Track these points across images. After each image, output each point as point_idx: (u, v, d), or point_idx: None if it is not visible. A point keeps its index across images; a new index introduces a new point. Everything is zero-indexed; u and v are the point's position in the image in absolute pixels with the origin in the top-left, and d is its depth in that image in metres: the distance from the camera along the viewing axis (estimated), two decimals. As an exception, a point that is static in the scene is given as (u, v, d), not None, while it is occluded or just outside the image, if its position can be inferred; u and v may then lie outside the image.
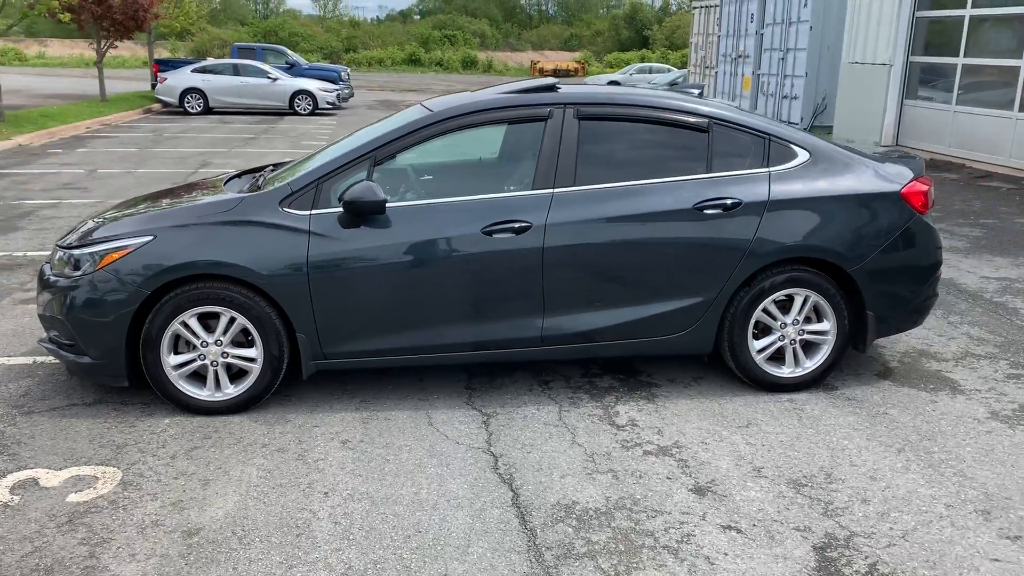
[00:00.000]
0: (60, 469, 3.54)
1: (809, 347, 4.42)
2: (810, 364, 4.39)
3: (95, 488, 3.40)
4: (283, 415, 4.10)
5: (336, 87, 23.91)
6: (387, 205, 4.01)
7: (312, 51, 59.35)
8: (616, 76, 36.22)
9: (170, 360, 4.01)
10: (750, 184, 4.24)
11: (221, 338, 4.02)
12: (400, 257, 4.01)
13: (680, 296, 4.21)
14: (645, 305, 4.21)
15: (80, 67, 48.72)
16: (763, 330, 4.36)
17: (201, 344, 4.02)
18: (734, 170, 4.28)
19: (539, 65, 58.12)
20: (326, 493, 3.38)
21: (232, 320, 4.00)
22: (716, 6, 20.74)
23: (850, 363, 4.81)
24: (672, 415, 4.13)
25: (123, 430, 3.91)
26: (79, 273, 4.00)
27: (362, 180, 4.01)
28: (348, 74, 26.89)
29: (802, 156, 4.35)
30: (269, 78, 22.78)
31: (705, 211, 4.16)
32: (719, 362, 4.61)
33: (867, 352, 4.78)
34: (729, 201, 4.19)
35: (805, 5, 16.83)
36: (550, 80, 4.52)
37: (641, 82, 31.12)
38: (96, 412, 4.09)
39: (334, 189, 4.06)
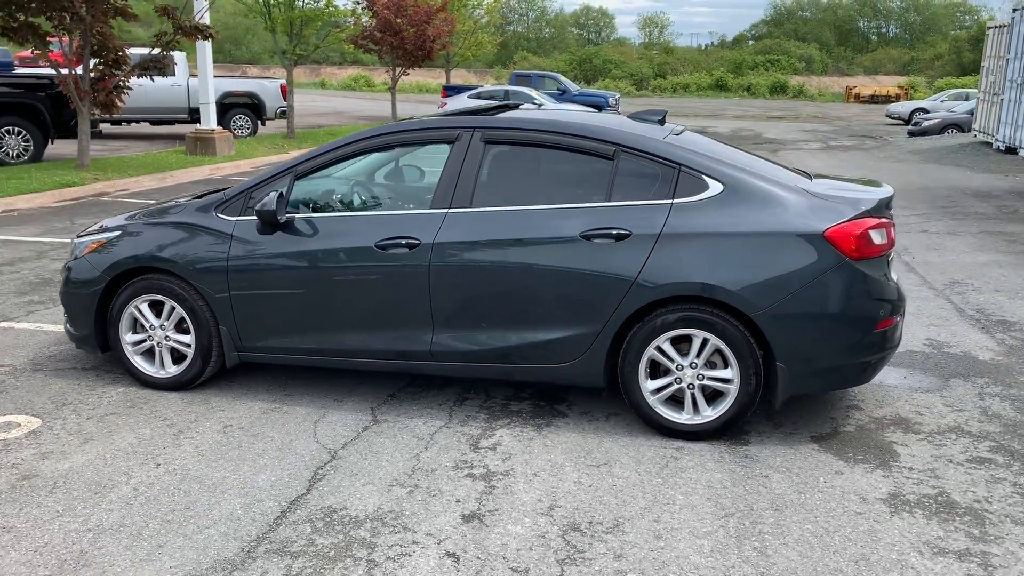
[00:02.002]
0: (4, 415, 4.33)
1: (715, 395, 4.07)
2: (711, 413, 4.05)
3: (12, 432, 4.12)
4: (208, 398, 4.60)
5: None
6: (301, 216, 4.39)
7: (622, 78, 60.85)
8: (925, 103, 33.36)
9: (127, 338, 4.70)
10: (646, 215, 4.02)
11: (165, 323, 4.63)
12: (305, 264, 4.35)
13: (565, 325, 4.11)
14: (531, 331, 4.16)
15: (418, 92, 54.35)
16: (664, 371, 4.11)
17: (150, 327, 4.66)
18: (637, 199, 4.09)
19: (855, 90, 54.70)
20: (158, 464, 3.82)
21: (173, 308, 4.59)
22: (1008, 26, 18.39)
23: (801, 418, 4.32)
24: (542, 446, 4.04)
25: (80, 392, 4.64)
26: (72, 259, 4.83)
27: (275, 193, 4.42)
28: (617, 100, 27.45)
29: (714, 188, 4.03)
30: (534, 104, 23.97)
31: (593, 240, 4.02)
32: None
33: (820, 405, 4.27)
34: (615, 231, 4.01)
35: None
36: (509, 102, 4.61)
37: (946, 108, 28.30)
38: (76, 376, 4.88)
39: (259, 199, 4.51)
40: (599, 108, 26.00)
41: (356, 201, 4.68)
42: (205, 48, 15.67)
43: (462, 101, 24.36)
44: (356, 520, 3.36)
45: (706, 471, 3.79)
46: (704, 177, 4.05)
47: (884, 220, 4.02)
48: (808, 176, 4.57)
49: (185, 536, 3.23)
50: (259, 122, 20.32)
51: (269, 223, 4.34)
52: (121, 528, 3.27)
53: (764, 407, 4.39)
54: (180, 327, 4.62)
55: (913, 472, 3.79)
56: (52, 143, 14.40)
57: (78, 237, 4.94)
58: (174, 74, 19.08)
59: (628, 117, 4.77)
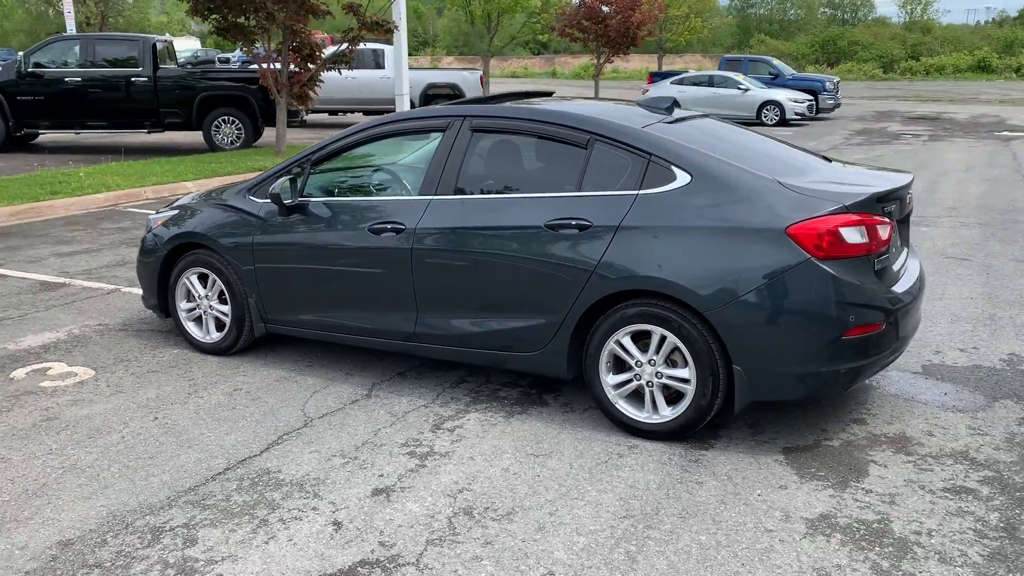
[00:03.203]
0: (71, 365, 5.03)
1: (678, 395, 3.91)
2: (668, 413, 3.89)
3: (65, 380, 4.79)
4: (240, 363, 5.05)
5: (808, 98, 23.24)
6: (311, 200, 4.71)
7: (869, 60, 56.87)
8: None
9: (181, 305, 5.27)
10: (609, 205, 3.93)
11: (208, 294, 5.15)
12: (311, 245, 4.67)
13: (531, 314, 4.12)
14: (501, 318, 4.21)
15: (624, 79, 53.91)
16: (627, 366, 4.00)
17: (199, 297, 5.19)
18: (608, 189, 4.00)
19: None
20: (156, 418, 4.28)
21: (215, 281, 5.10)
22: None
23: (787, 427, 4.04)
24: (500, 432, 4.09)
25: (140, 351, 5.27)
26: (146, 232, 5.48)
27: (287, 177, 4.75)
28: (835, 84, 25.74)
29: (681, 180, 3.86)
30: (740, 88, 23.16)
31: (559, 230, 4.00)
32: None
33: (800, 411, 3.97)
34: (575, 221, 3.96)
35: None
36: (547, 90, 4.70)
37: None
38: (148, 337, 5.53)
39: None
40: (814, 93, 24.56)
41: (363, 186, 4.92)
42: (400, 41, 16.62)
43: (664, 88, 23.98)
44: (279, 482, 3.62)
45: (641, 471, 3.67)
46: (673, 168, 3.89)
47: (867, 217, 3.65)
48: (827, 160, 4.30)
49: (131, 481, 3.64)
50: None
51: (281, 205, 4.69)
52: (87, 469, 3.75)
53: (754, 413, 4.15)
54: (221, 298, 5.10)
55: (869, 495, 3.44)
56: (262, 132, 15.93)
57: (156, 213, 5.58)
58: (384, 67, 20.43)
59: (638, 104, 4.64)
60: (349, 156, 4.83)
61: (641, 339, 3.92)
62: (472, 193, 4.30)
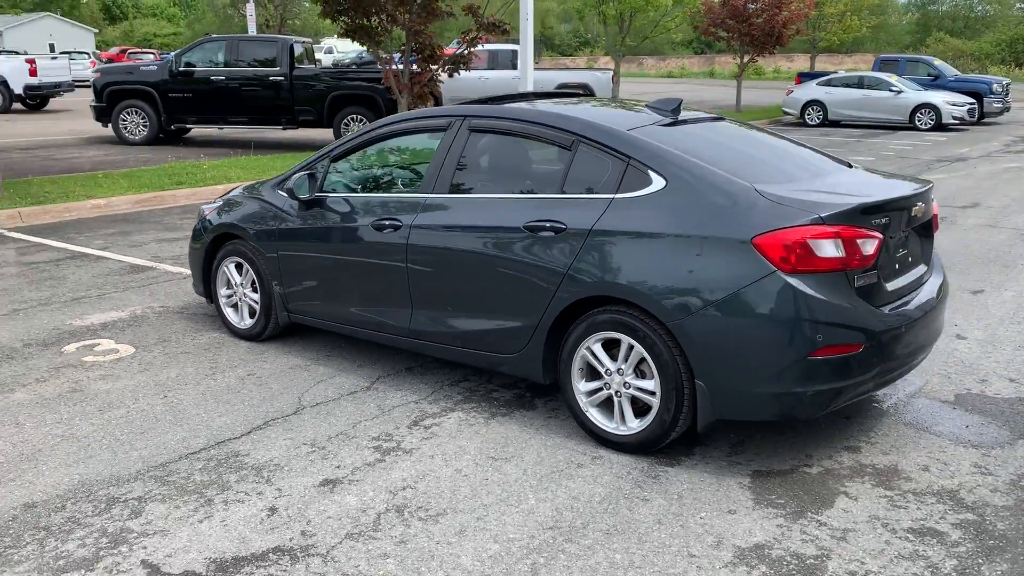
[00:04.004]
0: (118, 342, 5.42)
1: (646, 408, 3.77)
2: (636, 425, 3.76)
3: (106, 356, 5.17)
4: (265, 350, 5.27)
5: (969, 102, 21.60)
6: (327, 195, 4.86)
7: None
8: None
9: (221, 291, 5.57)
10: (585, 209, 3.84)
11: (243, 281, 5.41)
12: (325, 238, 4.82)
13: (509, 316, 4.09)
14: (485, 319, 4.19)
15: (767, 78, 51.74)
16: (599, 374, 3.90)
17: (236, 284, 5.47)
18: (588, 192, 3.91)
19: None
20: (164, 396, 4.55)
21: (248, 270, 5.35)
22: None
23: (770, 450, 3.82)
24: (473, 433, 4.08)
25: (183, 333, 5.60)
26: (197, 221, 5.82)
27: (305, 173, 4.91)
28: (1005, 86, 23.74)
29: (656, 184, 3.72)
30: (892, 90, 21.87)
31: (537, 232, 3.95)
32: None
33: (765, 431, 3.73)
34: (549, 224, 3.89)
35: None
36: (577, 90, 4.69)
37: None
38: (195, 320, 5.87)
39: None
40: (979, 96, 22.79)
41: (373, 183, 5.00)
42: (526, 41, 16.75)
43: (809, 89, 22.96)
44: (241, 466, 3.76)
45: (592, 483, 3.56)
46: (649, 171, 3.75)
47: (845, 230, 3.38)
48: (848, 166, 4.06)
49: (114, 453, 3.89)
50: (590, 111, 21.10)
51: (298, 200, 4.87)
52: (82, 439, 4.03)
53: (740, 432, 3.95)
54: (253, 286, 5.35)
55: (820, 528, 3.20)
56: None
57: (208, 203, 5.91)
58: (515, 67, 20.61)
59: (645, 106, 4.49)
60: (366, 153, 4.94)
61: (612, 347, 3.80)
62: (465, 192, 4.31)
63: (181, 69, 15.77)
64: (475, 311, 4.21)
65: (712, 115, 4.54)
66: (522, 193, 4.12)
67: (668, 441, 3.70)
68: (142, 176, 11.65)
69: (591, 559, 3.02)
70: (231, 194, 5.79)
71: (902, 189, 3.84)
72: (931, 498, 3.41)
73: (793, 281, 3.34)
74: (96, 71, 16.79)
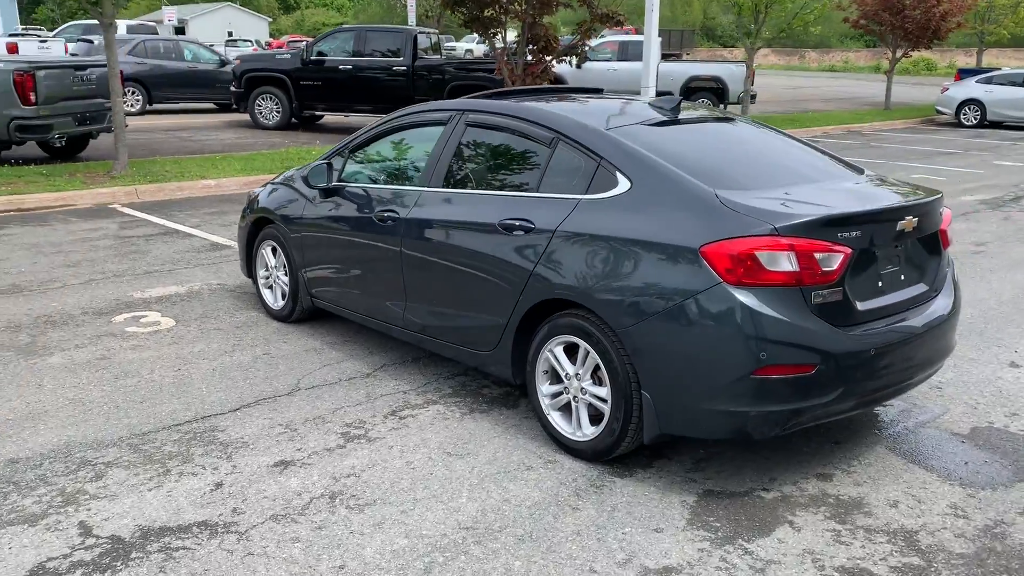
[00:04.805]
0: (164, 316, 5.77)
1: (600, 415, 3.67)
2: (590, 432, 3.67)
3: (147, 328, 5.52)
4: (288, 332, 5.47)
5: None
6: (343, 185, 4.99)
7: None
8: None
9: (260, 273, 5.82)
10: (555, 209, 3.77)
11: (277, 263, 5.63)
12: (337, 228, 4.96)
13: (484, 314, 4.07)
14: (465, 315, 4.20)
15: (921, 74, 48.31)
16: (560, 377, 3.83)
17: (271, 267, 5.70)
18: (562, 191, 3.84)
19: None
20: (178, 369, 4.81)
21: (279, 253, 5.57)
22: None
23: (736, 469, 3.63)
24: (442, 428, 4.08)
25: (225, 311, 5.89)
26: (245, 205, 6.10)
27: (323, 162, 5.05)
28: None
29: (622, 186, 3.60)
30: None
31: (511, 231, 3.91)
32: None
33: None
34: (519, 223, 3.84)
35: None
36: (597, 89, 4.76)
37: None
38: (244, 299, 6.16)
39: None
40: None
41: (383, 175, 5.05)
42: (650, 31, 16.47)
43: (968, 87, 21.37)
44: (213, 441, 3.94)
45: (532, 487, 3.51)
46: (617, 173, 3.63)
47: (800, 242, 3.15)
48: (859, 171, 3.83)
49: (107, 418, 4.16)
50: (720, 105, 20.49)
51: (315, 188, 5.02)
52: (87, 403, 4.33)
53: (713, 448, 3.78)
54: (286, 270, 5.56)
55: (744, 557, 3.02)
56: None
57: (259, 187, 6.18)
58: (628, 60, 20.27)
59: (648, 104, 4.34)
60: (380, 144, 5.01)
61: (575, 351, 3.72)
62: (456, 187, 4.31)
63: (312, 58, 16.47)
64: (457, 307, 4.22)
65: (720, 115, 4.33)
66: (504, 190, 4.08)
67: (620, 452, 3.58)
68: (256, 159, 12.28)
69: (489, 563, 2.98)
70: (278, 180, 6.03)
71: (886, 201, 3.54)
72: (882, 537, 3.14)
73: (738, 294, 3.15)
74: (236, 59, 17.81)
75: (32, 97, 10.74)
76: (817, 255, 3.17)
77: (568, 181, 3.81)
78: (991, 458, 3.76)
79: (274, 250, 5.61)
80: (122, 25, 25.14)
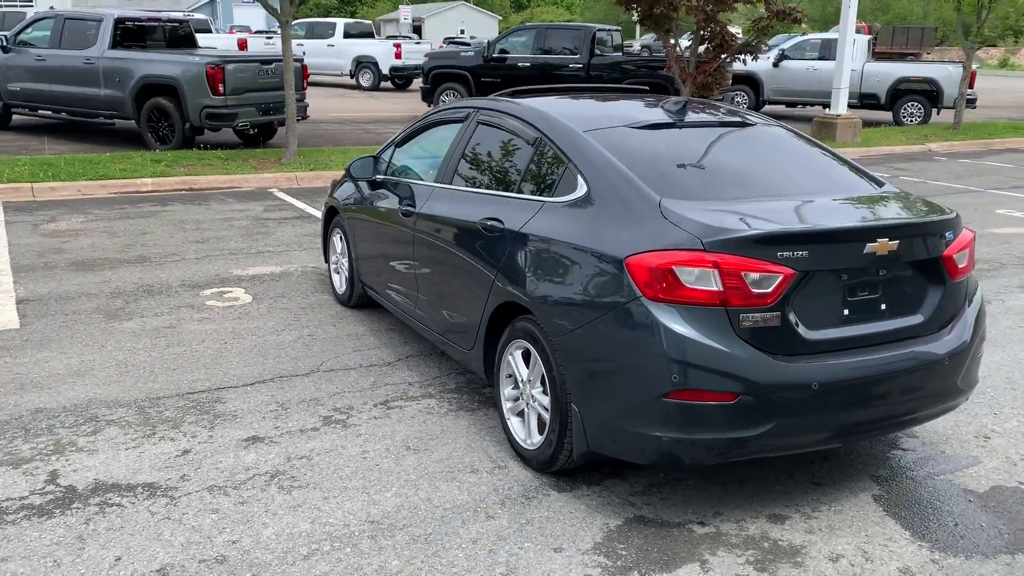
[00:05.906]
0: (247, 292, 6.20)
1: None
2: (536, 440, 3.57)
3: (225, 303, 5.95)
4: (343, 315, 5.70)
5: None
6: (386, 178, 5.14)
7: None
8: None
9: (332, 259, 6.12)
10: (523, 211, 3.69)
11: (342, 250, 5.88)
12: (374, 219, 5.12)
13: (464, 312, 4.06)
14: (452, 312, 4.21)
15: None
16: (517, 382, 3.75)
17: (338, 253, 5.97)
18: (535, 192, 3.75)
19: None
20: (224, 342, 5.16)
21: (342, 240, 5.82)
22: None
23: (693, 497, 3.40)
24: (420, 422, 4.09)
25: (300, 294, 6.20)
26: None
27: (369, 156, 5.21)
28: None
29: (580, 190, 3.45)
30: None
31: (490, 231, 3.87)
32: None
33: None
34: (491, 222, 3.79)
35: None
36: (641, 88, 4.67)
37: None
38: (321, 282, 6.48)
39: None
40: None
41: (417, 170, 5.10)
42: (846, 28, 15.48)
43: None
44: (208, 411, 4.20)
45: (463, 491, 3.46)
46: (578, 176, 3.48)
47: (726, 259, 2.87)
48: (878, 184, 3.50)
49: (135, 380, 4.55)
50: (933, 110, 18.78)
51: (360, 180, 5.20)
52: (129, 366, 4.75)
53: (683, 476, 3.56)
54: (348, 257, 5.81)
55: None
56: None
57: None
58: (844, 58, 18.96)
59: (660, 105, 4.10)
60: (419, 140, 5.09)
61: (530, 357, 3.62)
62: (459, 184, 4.32)
63: (494, 55, 16.89)
64: (447, 304, 4.23)
65: (738, 120, 4.00)
66: (491, 189, 4.04)
67: (559, 466, 3.44)
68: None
69: (368, 559, 2.98)
70: (353, 172, 6.28)
71: (848, 220, 3.13)
72: (798, 593, 2.81)
73: (655, 311, 2.93)
74: (425, 55, 18.59)
75: (221, 88, 11.83)
76: (748, 275, 2.87)
77: (542, 182, 3.71)
78: (991, 523, 3.24)
79: (341, 237, 5.86)
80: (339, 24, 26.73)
